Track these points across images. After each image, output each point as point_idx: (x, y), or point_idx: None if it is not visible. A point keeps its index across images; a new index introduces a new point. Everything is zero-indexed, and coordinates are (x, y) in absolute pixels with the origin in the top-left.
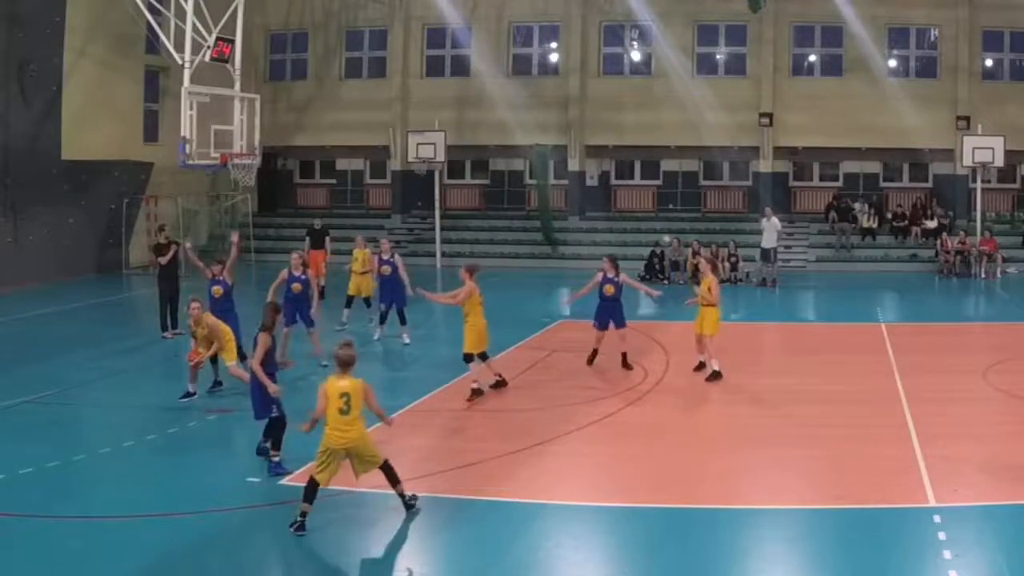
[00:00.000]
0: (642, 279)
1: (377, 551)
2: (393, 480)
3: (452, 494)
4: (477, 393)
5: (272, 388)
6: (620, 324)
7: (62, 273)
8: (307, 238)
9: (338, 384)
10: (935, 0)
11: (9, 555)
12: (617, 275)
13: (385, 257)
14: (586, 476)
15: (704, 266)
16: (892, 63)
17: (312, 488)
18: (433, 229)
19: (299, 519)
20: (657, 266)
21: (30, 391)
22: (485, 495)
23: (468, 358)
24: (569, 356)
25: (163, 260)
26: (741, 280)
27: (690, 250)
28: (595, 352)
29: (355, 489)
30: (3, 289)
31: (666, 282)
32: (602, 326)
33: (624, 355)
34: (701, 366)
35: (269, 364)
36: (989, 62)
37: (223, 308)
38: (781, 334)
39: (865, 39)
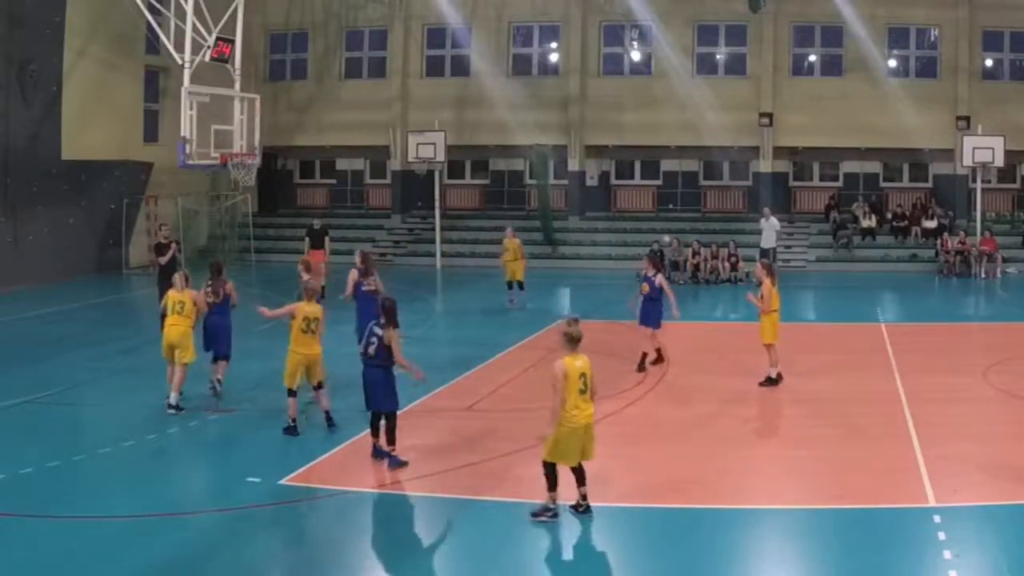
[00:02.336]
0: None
1: (377, 551)
2: (581, 479)
3: (452, 494)
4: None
5: (418, 373)
6: (649, 324)
7: (62, 273)
8: (307, 238)
9: (576, 364)
10: (935, 0)
11: (9, 555)
12: (655, 275)
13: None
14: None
15: (759, 271)
16: (892, 63)
17: (554, 473)
18: (433, 229)
19: (552, 507)
20: None
21: (30, 391)
22: (485, 495)
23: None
24: None
25: (163, 260)
26: (741, 280)
27: (690, 250)
28: (645, 355)
29: (355, 489)
30: (3, 289)
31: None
32: (642, 323)
33: (643, 356)
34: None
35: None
36: (989, 62)
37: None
38: (781, 334)
39: (865, 39)
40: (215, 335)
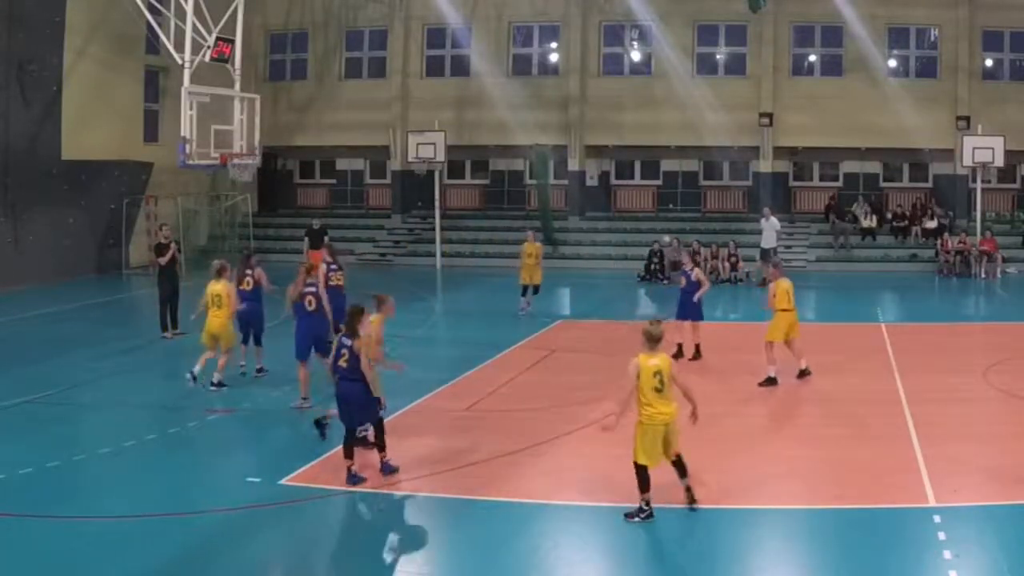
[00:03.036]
0: (641, 279)
1: (377, 551)
2: (682, 472)
3: (452, 494)
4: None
5: (380, 400)
6: (689, 317)
7: (62, 273)
8: (306, 238)
9: (650, 362)
10: (935, 0)
11: (9, 555)
12: (691, 269)
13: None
14: (586, 476)
15: (770, 271)
16: (892, 63)
17: (645, 474)
18: (433, 229)
19: (646, 508)
20: (656, 266)
21: (30, 391)
22: (485, 495)
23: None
24: (569, 356)
25: (163, 260)
26: (741, 280)
27: (690, 250)
28: (679, 346)
29: (355, 489)
30: (3, 289)
31: (666, 282)
32: (679, 317)
33: (696, 347)
34: (801, 373)
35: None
36: (989, 62)
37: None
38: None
39: (865, 39)
40: (249, 321)
